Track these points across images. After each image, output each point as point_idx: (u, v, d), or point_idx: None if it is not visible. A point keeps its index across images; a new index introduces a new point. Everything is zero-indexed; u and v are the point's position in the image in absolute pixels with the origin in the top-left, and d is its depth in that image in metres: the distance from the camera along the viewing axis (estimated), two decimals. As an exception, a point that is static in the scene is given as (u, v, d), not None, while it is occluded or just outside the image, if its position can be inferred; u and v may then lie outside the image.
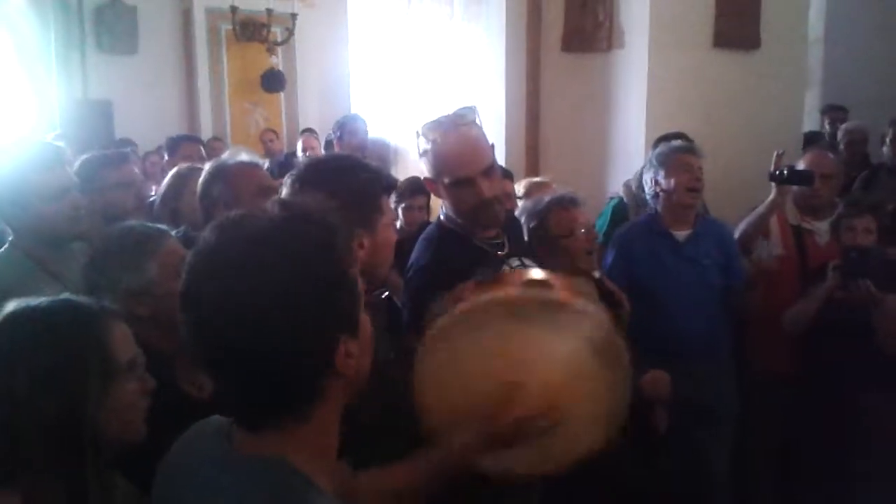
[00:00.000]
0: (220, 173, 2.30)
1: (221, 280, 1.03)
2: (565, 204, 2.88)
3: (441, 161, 2.16)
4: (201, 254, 1.07)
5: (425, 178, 2.26)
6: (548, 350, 1.58)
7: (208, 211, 2.25)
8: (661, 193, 3.31)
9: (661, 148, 3.31)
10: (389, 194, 1.89)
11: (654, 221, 3.37)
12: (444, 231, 2.26)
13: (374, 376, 1.22)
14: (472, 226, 2.22)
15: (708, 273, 3.30)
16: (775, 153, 3.47)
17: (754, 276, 3.49)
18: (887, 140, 5.11)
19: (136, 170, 3.28)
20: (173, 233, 2.04)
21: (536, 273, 1.80)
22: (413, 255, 2.29)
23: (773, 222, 3.65)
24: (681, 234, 3.32)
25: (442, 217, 2.29)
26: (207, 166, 2.37)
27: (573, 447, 1.61)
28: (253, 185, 2.24)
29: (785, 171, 3.41)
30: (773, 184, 3.44)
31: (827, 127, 6.48)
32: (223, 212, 2.22)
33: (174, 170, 3.17)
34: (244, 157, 2.35)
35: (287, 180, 1.84)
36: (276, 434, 1.09)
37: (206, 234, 1.09)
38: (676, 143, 3.38)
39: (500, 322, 1.57)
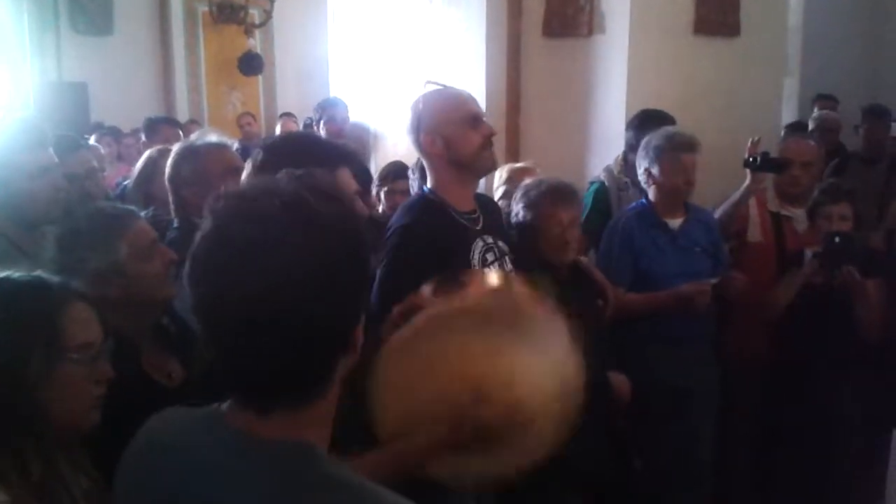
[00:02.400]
0: (188, 154, 2.28)
1: (256, 253, 0.98)
2: (556, 198, 2.88)
3: (442, 106, 2.31)
4: (225, 224, 1.02)
5: (422, 139, 2.30)
6: (507, 359, 1.59)
7: (177, 192, 2.23)
8: (653, 184, 3.31)
9: (659, 141, 3.26)
10: (349, 166, 1.85)
11: (647, 211, 3.37)
12: (426, 200, 2.36)
13: None
14: (473, 169, 2.34)
15: (699, 260, 3.34)
16: (750, 140, 3.49)
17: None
18: (860, 130, 5.16)
19: (91, 157, 3.19)
20: (142, 214, 2.01)
21: (498, 275, 1.81)
22: (393, 218, 2.41)
23: (753, 209, 3.67)
24: (674, 222, 3.35)
25: (426, 189, 2.40)
26: (175, 147, 2.35)
27: (529, 453, 1.63)
28: (221, 166, 2.23)
29: (758, 159, 3.43)
30: (747, 170, 3.45)
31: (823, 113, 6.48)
32: (192, 193, 2.23)
33: (146, 153, 3.13)
34: (213, 138, 2.33)
35: (248, 162, 1.82)
36: (290, 415, 1.05)
37: (230, 199, 1.04)
38: (673, 133, 3.31)
39: (460, 330, 1.58)
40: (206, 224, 1.03)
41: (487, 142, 2.32)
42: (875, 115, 5.15)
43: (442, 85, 2.37)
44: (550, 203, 2.85)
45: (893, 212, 3.81)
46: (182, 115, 8.38)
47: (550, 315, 1.67)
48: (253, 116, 8.51)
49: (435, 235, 2.18)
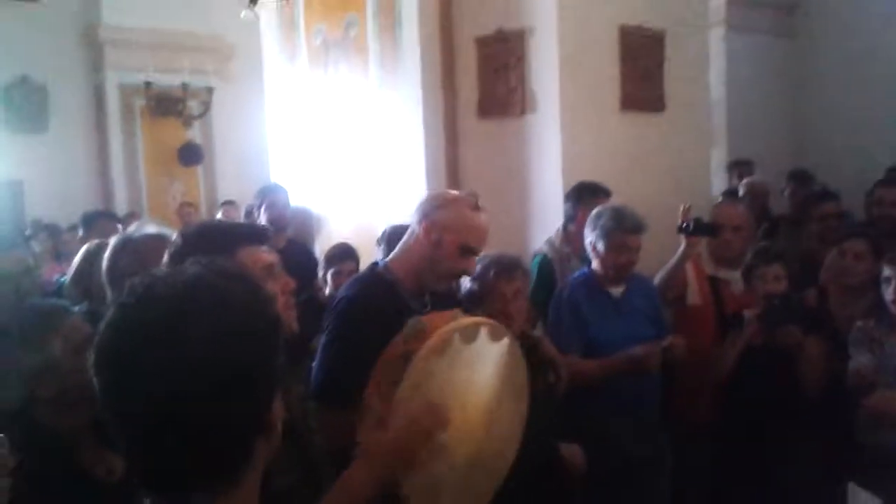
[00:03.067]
0: (126, 246, 2.26)
1: (159, 336, 0.97)
2: (499, 271, 2.92)
3: (463, 219, 2.36)
4: (129, 310, 1.00)
5: (430, 222, 2.35)
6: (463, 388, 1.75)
7: (115, 284, 2.20)
8: (597, 258, 3.38)
9: (608, 221, 3.33)
10: (256, 243, 1.83)
11: (590, 280, 3.44)
12: (376, 276, 2.42)
13: (286, 435, 1.19)
14: (429, 280, 2.39)
15: (642, 326, 3.39)
16: (682, 207, 3.61)
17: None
18: (786, 193, 5.38)
19: (27, 255, 3.15)
20: (76, 309, 1.97)
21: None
22: (341, 289, 2.47)
23: (690, 273, 3.77)
24: (616, 290, 3.42)
25: (379, 266, 2.45)
26: (113, 240, 2.33)
27: (487, 478, 1.78)
28: (160, 257, 2.21)
29: (691, 224, 3.56)
30: (682, 236, 3.57)
31: (736, 180, 6.76)
32: None
33: (84, 247, 3.09)
34: (151, 229, 2.32)
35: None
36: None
37: (134, 286, 1.02)
38: (622, 215, 3.35)
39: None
40: (109, 312, 1.02)
41: (460, 274, 2.46)
42: (798, 179, 5.39)
43: (477, 201, 2.42)
44: (493, 276, 2.88)
45: (825, 270, 3.95)
46: (121, 208, 8.31)
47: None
48: (193, 206, 8.48)
49: (379, 311, 2.22)
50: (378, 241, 3.66)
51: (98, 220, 4.95)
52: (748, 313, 3.43)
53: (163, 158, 8.99)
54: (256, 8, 5.72)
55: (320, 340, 2.36)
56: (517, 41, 4.43)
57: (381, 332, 1.91)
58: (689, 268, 3.77)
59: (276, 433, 1.08)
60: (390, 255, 2.48)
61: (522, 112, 4.44)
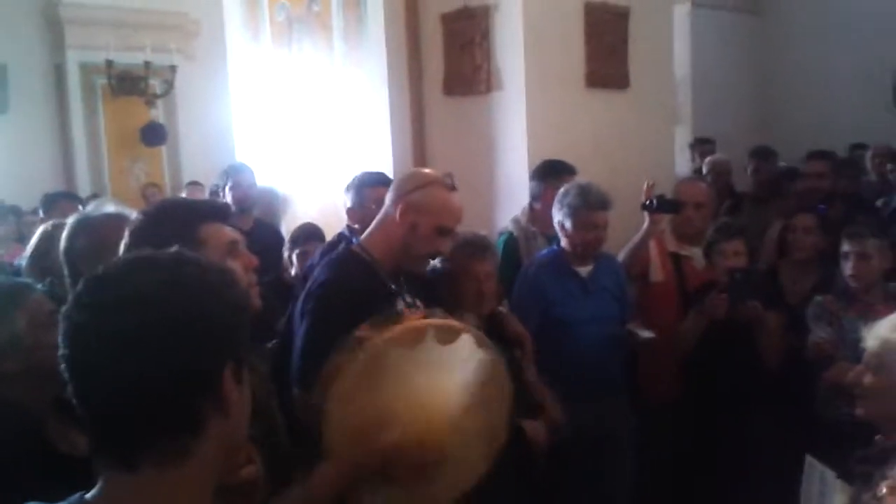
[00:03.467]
0: (84, 226, 2.23)
1: (102, 303, 1.03)
2: (471, 251, 2.92)
3: (441, 206, 2.36)
4: (92, 277, 1.07)
5: (406, 204, 2.34)
6: (426, 390, 1.67)
7: (73, 265, 2.17)
8: (565, 237, 3.40)
9: (574, 199, 3.35)
10: (218, 220, 1.81)
11: (558, 258, 3.47)
12: (353, 255, 2.41)
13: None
14: (405, 262, 2.40)
15: (609, 306, 3.45)
16: (646, 184, 3.65)
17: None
18: (748, 170, 5.44)
19: None
20: (38, 286, 1.96)
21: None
22: (317, 271, 2.44)
23: (653, 250, 3.81)
24: (584, 269, 3.45)
25: (355, 246, 2.46)
26: (70, 219, 2.29)
27: (451, 484, 1.70)
28: (119, 237, 2.18)
29: (654, 201, 3.59)
30: (645, 213, 3.60)
31: (697, 159, 6.83)
32: (88, 266, 2.17)
33: (41, 227, 3.04)
34: (110, 208, 2.29)
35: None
36: (157, 476, 1.03)
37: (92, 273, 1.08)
38: (587, 192, 3.38)
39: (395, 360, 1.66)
40: (76, 292, 1.07)
41: (435, 255, 2.47)
42: (761, 156, 5.44)
43: (452, 182, 2.43)
44: (466, 256, 2.88)
45: (766, 248, 4.01)
46: (83, 189, 8.17)
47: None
48: (158, 187, 8.37)
49: (358, 293, 2.21)
50: (347, 188, 3.65)
51: (59, 202, 4.87)
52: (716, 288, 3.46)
53: (125, 139, 8.85)
54: (219, -16, 5.65)
55: (301, 325, 2.32)
56: (482, 17, 4.41)
57: (361, 314, 1.91)
58: (653, 245, 3.81)
59: (233, 410, 1.08)
60: (364, 235, 2.47)
61: (488, 89, 4.44)
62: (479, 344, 1.79)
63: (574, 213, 3.34)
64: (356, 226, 3.47)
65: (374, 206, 3.27)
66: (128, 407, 1.02)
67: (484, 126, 4.49)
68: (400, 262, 2.40)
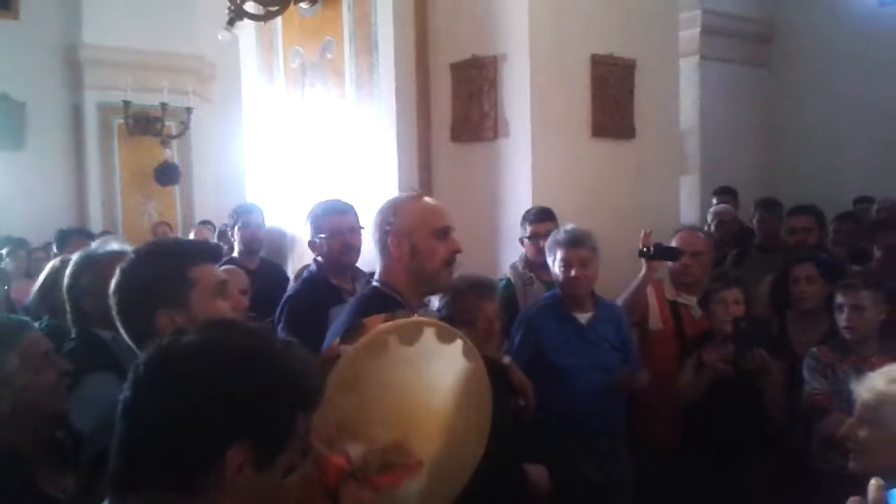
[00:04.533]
0: (88, 263, 2.27)
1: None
2: (481, 292, 2.94)
3: (417, 212, 2.31)
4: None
5: (391, 241, 2.30)
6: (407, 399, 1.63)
7: (76, 302, 2.20)
8: (556, 279, 3.44)
9: (551, 241, 3.46)
10: (209, 261, 1.83)
11: (557, 304, 3.49)
12: (380, 293, 2.33)
13: None
14: (428, 284, 2.34)
15: (607, 355, 3.44)
16: (643, 231, 3.68)
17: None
18: (753, 221, 5.47)
19: None
20: (36, 324, 1.98)
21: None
22: (342, 316, 2.35)
23: (652, 298, 3.84)
24: (583, 316, 3.46)
25: (376, 282, 2.37)
26: (75, 256, 2.33)
27: (447, 486, 1.66)
28: None
29: (651, 248, 3.62)
30: (643, 260, 3.63)
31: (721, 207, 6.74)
32: (91, 303, 2.22)
33: (49, 264, 3.10)
34: (114, 245, 2.33)
35: None
36: None
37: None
38: (564, 231, 3.49)
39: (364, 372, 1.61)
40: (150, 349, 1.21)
41: (451, 258, 2.33)
42: (765, 207, 5.47)
43: (418, 192, 2.41)
44: (476, 297, 2.90)
45: (759, 300, 4.01)
46: (96, 226, 8.28)
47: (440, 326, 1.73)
48: (169, 226, 8.47)
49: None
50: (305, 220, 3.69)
51: (72, 238, 4.95)
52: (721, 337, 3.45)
53: (140, 177, 8.98)
54: (235, 30, 5.76)
55: None
56: (490, 67, 4.50)
57: None
58: (651, 292, 3.84)
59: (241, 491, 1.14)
60: (378, 274, 2.42)
61: (495, 136, 4.50)
62: (441, 337, 1.72)
63: (552, 252, 3.43)
64: (319, 258, 3.48)
65: (333, 237, 3.36)
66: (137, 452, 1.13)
67: (490, 172, 4.54)
68: (424, 287, 2.37)
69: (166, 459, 1.10)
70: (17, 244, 6.51)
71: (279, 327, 2.62)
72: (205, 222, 7.92)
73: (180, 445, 1.10)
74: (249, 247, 4.85)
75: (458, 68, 4.67)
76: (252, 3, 5.09)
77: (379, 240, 2.35)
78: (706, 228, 5.32)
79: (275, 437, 1.14)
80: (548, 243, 3.48)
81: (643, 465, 3.54)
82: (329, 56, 5.17)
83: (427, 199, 2.39)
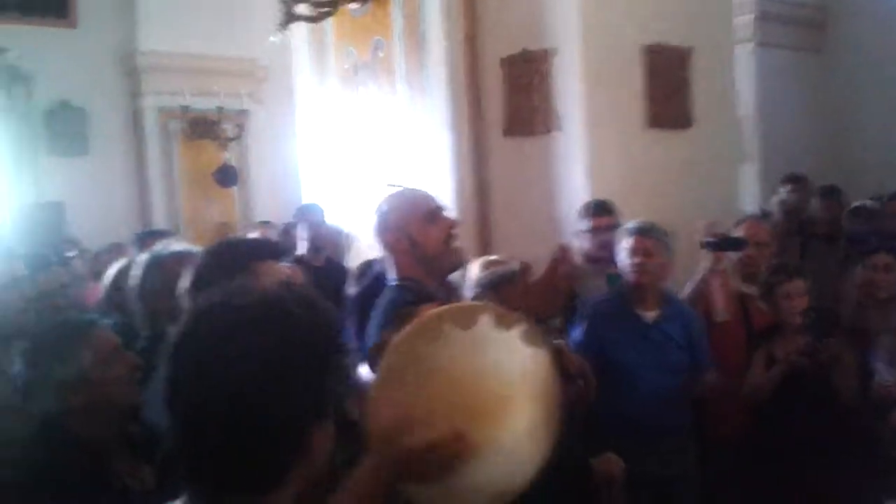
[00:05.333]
0: (155, 264, 2.33)
1: (224, 345, 1.04)
2: (515, 280, 2.93)
3: (403, 204, 2.38)
4: (201, 314, 1.08)
5: (388, 238, 2.36)
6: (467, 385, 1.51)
7: (146, 301, 2.27)
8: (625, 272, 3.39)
9: (619, 232, 3.40)
10: (272, 258, 1.88)
11: (622, 299, 3.40)
12: (400, 288, 2.34)
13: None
14: (438, 268, 2.37)
15: (672, 356, 3.33)
16: (706, 222, 3.63)
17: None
18: (815, 209, 5.33)
19: (63, 273, 3.23)
20: (105, 321, 2.05)
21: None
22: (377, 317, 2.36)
23: (717, 289, 3.76)
24: (648, 314, 3.35)
25: (394, 281, 2.38)
26: (142, 258, 2.40)
27: (495, 482, 1.54)
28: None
29: (716, 239, 3.56)
30: (706, 251, 3.57)
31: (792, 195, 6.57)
32: (160, 301, 2.28)
33: (115, 265, 3.19)
34: (177, 246, 2.39)
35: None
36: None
37: (210, 296, 1.11)
38: (628, 223, 3.43)
39: (420, 354, 1.51)
40: (185, 314, 1.10)
41: (449, 235, 2.37)
42: (826, 195, 5.33)
43: (401, 186, 2.45)
44: (510, 285, 2.87)
45: (849, 292, 3.91)
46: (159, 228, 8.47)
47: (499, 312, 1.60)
48: (229, 226, 8.62)
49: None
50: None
51: (151, 241, 5.07)
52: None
53: (199, 180, 9.14)
54: (287, 32, 5.85)
55: None
56: (542, 60, 4.48)
57: None
58: (716, 284, 3.76)
59: (315, 461, 1.10)
60: (392, 277, 2.44)
61: (548, 130, 4.49)
62: (500, 323, 1.58)
63: (619, 239, 3.37)
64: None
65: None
66: (221, 451, 1.05)
67: (543, 166, 4.53)
68: (436, 270, 2.39)
69: (258, 457, 1.05)
70: (73, 245, 6.66)
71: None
72: (265, 222, 8.04)
73: (271, 437, 1.04)
74: (315, 245, 4.92)
75: (508, 63, 4.66)
76: (304, 5, 5.16)
77: (381, 242, 2.42)
78: (770, 217, 5.20)
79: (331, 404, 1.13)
80: (618, 234, 3.42)
81: (709, 459, 3.48)
82: (380, 55, 5.21)
83: (410, 188, 2.47)
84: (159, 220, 8.78)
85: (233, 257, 1.81)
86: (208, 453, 1.05)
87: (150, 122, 8.97)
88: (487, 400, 1.51)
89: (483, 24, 4.79)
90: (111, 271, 3.11)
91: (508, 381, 1.55)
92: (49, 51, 8.19)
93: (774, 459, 3.41)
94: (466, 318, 1.54)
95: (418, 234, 2.34)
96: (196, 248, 2.33)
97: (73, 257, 5.76)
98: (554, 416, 1.63)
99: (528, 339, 1.60)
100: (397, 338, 1.51)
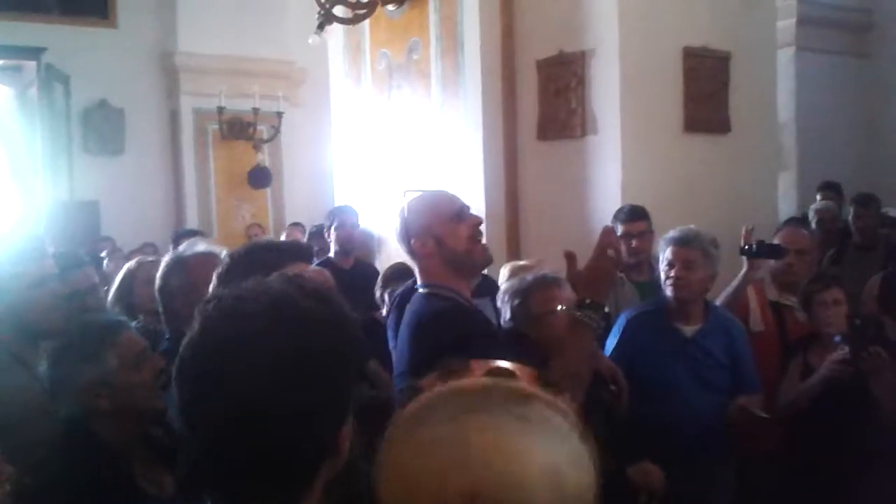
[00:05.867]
0: (177, 265, 2.32)
1: (240, 352, 1.00)
2: (548, 283, 2.88)
3: (426, 206, 2.35)
4: (212, 323, 1.03)
5: (413, 242, 2.32)
6: (508, 451, 1.41)
7: (168, 303, 2.25)
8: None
9: (665, 237, 3.28)
10: (301, 261, 1.86)
11: (660, 312, 3.26)
12: (430, 297, 2.32)
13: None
14: (468, 267, 2.35)
15: (711, 373, 3.19)
16: (744, 228, 3.53)
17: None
18: (849, 218, 5.21)
19: (93, 273, 3.22)
20: (131, 323, 2.03)
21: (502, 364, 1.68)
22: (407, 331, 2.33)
23: (753, 298, 3.68)
24: (688, 328, 3.20)
25: (426, 290, 2.34)
26: (165, 259, 2.39)
27: None
28: (209, 275, 2.25)
29: (754, 246, 3.46)
30: (744, 258, 3.48)
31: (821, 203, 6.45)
32: (182, 303, 2.26)
33: (125, 266, 3.19)
34: (200, 247, 2.37)
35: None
36: None
37: (222, 300, 1.06)
38: (672, 232, 3.29)
39: (460, 413, 1.35)
40: (194, 324, 1.05)
41: (476, 232, 2.34)
42: (861, 203, 5.19)
43: (421, 191, 2.43)
44: (545, 288, 2.81)
45: (866, 301, 3.80)
46: (192, 228, 8.53)
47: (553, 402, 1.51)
48: (261, 227, 8.65)
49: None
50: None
51: (186, 238, 5.10)
52: (837, 337, 3.24)
53: (233, 181, 9.21)
54: (324, 34, 5.85)
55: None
56: (578, 62, 4.43)
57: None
58: (752, 293, 3.67)
59: (342, 457, 1.08)
60: (421, 281, 2.41)
61: (583, 134, 4.43)
62: (551, 407, 1.32)
63: (661, 249, 3.26)
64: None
65: None
66: (248, 462, 1.01)
67: (577, 170, 4.47)
68: (464, 270, 2.36)
69: (286, 467, 1.02)
70: (111, 246, 6.74)
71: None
72: (295, 224, 8.06)
73: (296, 447, 1.01)
74: (344, 247, 4.91)
75: (544, 65, 4.61)
76: (341, 7, 5.16)
77: (406, 248, 2.38)
78: (808, 225, 5.10)
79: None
80: (659, 243, 3.31)
81: (742, 471, 3.39)
82: (415, 57, 5.19)
83: (430, 192, 2.45)
84: (192, 220, 8.85)
85: (260, 260, 1.78)
86: (232, 467, 1.01)
87: (187, 123, 9.04)
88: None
89: (519, 26, 4.75)
90: (119, 274, 3.10)
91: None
92: (89, 50, 8.31)
93: (811, 473, 3.31)
94: (521, 400, 1.33)
95: (444, 234, 2.30)
96: (220, 250, 2.31)
97: (104, 257, 5.81)
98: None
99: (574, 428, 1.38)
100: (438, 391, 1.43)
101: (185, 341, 1.05)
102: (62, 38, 8.10)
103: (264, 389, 0.98)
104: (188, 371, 1.03)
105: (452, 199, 2.39)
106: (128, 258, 6.38)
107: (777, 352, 3.56)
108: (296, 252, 1.86)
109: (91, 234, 7.74)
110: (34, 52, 7.60)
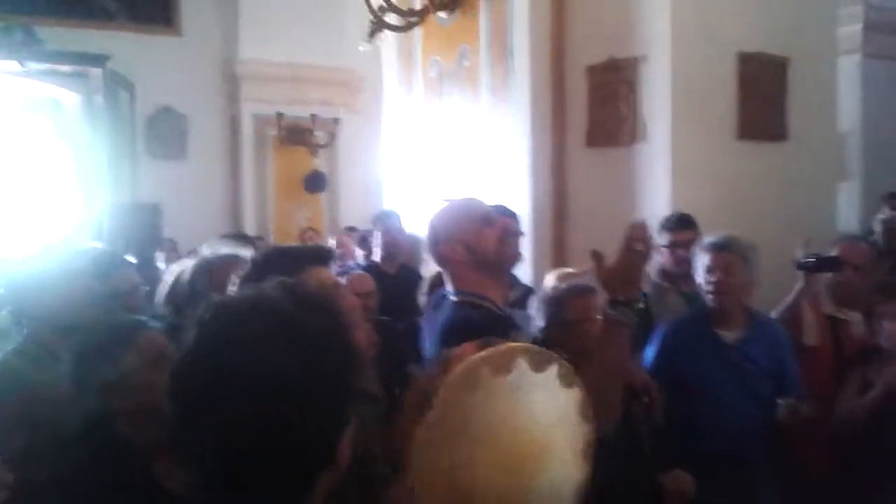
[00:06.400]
0: (202, 267, 2.36)
1: (240, 372, 1.00)
2: (584, 291, 2.84)
3: (455, 213, 2.36)
4: (207, 342, 1.04)
5: (443, 250, 2.31)
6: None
7: (194, 305, 2.28)
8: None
9: (701, 243, 3.22)
10: (321, 264, 1.88)
11: (702, 318, 3.19)
12: (461, 306, 2.30)
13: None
14: (498, 264, 2.35)
15: (755, 381, 3.10)
16: (801, 241, 3.42)
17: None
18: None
19: (134, 274, 3.28)
20: (154, 323, 2.06)
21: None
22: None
23: (808, 312, 3.56)
24: (730, 334, 3.12)
25: (460, 297, 2.32)
26: (192, 262, 2.43)
27: None
28: (228, 275, 2.28)
29: (811, 259, 3.36)
30: (801, 272, 3.37)
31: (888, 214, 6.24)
32: (206, 303, 2.28)
33: (173, 267, 3.24)
34: (225, 249, 2.41)
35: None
36: None
37: (215, 315, 1.07)
38: (708, 238, 3.22)
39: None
40: (188, 338, 1.05)
41: (504, 233, 2.35)
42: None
43: (449, 200, 2.45)
44: (579, 296, 2.78)
45: None
46: (250, 231, 8.67)
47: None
48: (315, 231, 8.76)
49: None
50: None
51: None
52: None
53: (290, 185, 9.36)
54: (378, 42, 5.90)
55: None
56: (629, 69, 4.36)
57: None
58: (807, 306, 3.55)
59: (340, 468, 1.08)
60: (452, 291, 2.39)
61: (632, 141, 4.36)
62: (535, 365, 1.52)
63: (698, 256, 3.17)
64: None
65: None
66: (242, 474, 1.02)
67: (626, 178, 4.39)
68: (494, 271, 2.35)
69: (286, 472, 1.02)
70: (170, 247, 6.90)
71: None
72: (350, 228, 8.13)
73: (296, 456, 1.01)
74: (389, 252, 4.92)
75: (594, 71, 4.56)
76: (393, 16, 5.19)
77: (436, 257, 2.38)
78: (871, 237, 4.91)
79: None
80: (695, 249, 3.23)
81: (791, 492, 3.27)
82: (465, 64, 5.19)
83: (456, 199, 2.46)
84: (250, 224, 9.02)
85: (280, 264, 1.80)
86: (225, 480, 1.02)
87: (247, 129, 9.24)
88: (528, 455, 1.47)
89: (569, 32, 4.70)
90: (168, 274, 3.15)
91: (546, 429, 1.51)
92: (153, 58, 8.55)
93: (864, 497, 3.19)
94: (503, 364, 1.48)
95: (474, 239, 2.29)
96: (241, 251, 2.34)
97: (157, 259, 5.94)
98: (589, 452, 1.58)
99: (564, 379, 1.55)
100: (441, 390, 1.45)
101: (179, 357, 1.06)
102: (127, 45, 8.36)
103: (253, 405, 0.98)
104: (179, 390, 1.03)
105: (479, 204, 2.40)
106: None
107: (829, 367, 3.44)
108: (316, 256, 1.88)
109: (154, 236, 7.95)
110: (99, 60, 7.85)
